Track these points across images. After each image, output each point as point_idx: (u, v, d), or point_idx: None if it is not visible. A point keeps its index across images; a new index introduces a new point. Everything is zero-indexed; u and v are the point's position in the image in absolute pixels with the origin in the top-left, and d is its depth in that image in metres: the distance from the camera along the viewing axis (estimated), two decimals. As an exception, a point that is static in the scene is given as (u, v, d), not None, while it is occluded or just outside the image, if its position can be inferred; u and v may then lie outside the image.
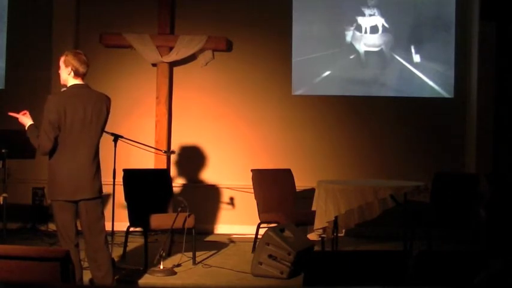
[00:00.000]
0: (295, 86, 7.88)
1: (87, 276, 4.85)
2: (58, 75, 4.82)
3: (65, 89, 4.74)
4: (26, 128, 4.71)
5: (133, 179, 6.41)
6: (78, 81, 4.69)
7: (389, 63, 7.85)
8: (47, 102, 4.61)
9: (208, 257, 6.35)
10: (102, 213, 4.82)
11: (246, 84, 7.89)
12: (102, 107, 4.75)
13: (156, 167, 7.55)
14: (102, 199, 4.85)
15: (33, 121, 4.76)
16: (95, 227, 4.74)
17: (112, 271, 4.84)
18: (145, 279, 5.51)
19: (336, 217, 5.87)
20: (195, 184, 7.83)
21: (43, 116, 4.61)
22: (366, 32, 7.88)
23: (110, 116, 4.85)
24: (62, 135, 4.60)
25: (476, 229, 6.35)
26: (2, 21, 7.88)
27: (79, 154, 4.63)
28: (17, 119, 4.77)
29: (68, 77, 4.68)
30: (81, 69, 4.67)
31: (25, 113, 4.77)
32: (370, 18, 7.88)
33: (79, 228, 4.78)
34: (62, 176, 4.61)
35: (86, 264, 4.99)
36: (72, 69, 4.65)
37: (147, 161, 7.50)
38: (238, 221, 7.68)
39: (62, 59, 4.69)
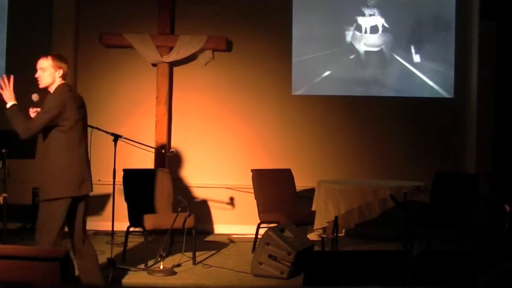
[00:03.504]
0: (295, 86, 7.88)
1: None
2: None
3: (64, 86, 4.76)
4: (8, 106, 4.54)
5: (133, 179, 6.41)
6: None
7: (389, 63, 7.85)
8: (52, 98, 4.60)
9: (208, 257, 6.35)
10: None
11: (246, 85, 7.89)
12: (84, 105, 4.86)
13: (156, 167, 7.55)
14: None
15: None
16: (83, 221, 4.82)
17: (98, 263, 4.86)
18: (146, 279, 5.51)
19: (336, 217, 5.87)
20: (195, 184, 7.83)
21: (44, 105, 4.58)
22: (366, 32, 7.88)
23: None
24: (67, 132, 4.61)
25: (492, 225, 6.33)
26: (2, 21, 7.88)
27: (81, 151, 4.73)
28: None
29: (56, 79, 4.70)
30: (67, 71, 4.78)
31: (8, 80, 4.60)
32: (370, 18, 7.88)
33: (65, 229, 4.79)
34: (70, 173, 4.65)
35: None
36: (63, 72, 4.70)
37: (147, 161, 7.50)
38: (238, 221, 7.68)
39: (49, 63, 4.65)
